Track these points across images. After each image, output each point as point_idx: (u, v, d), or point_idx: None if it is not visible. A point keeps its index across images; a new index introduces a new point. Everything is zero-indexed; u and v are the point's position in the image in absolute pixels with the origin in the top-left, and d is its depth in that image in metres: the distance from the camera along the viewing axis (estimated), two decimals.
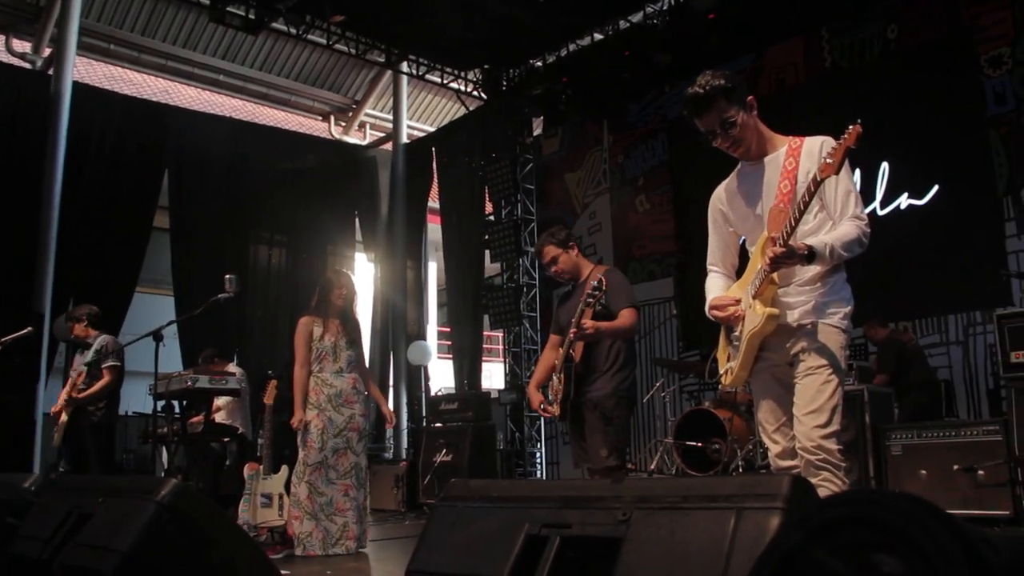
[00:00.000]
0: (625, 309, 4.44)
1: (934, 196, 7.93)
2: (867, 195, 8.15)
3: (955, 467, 5.63)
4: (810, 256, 2.78)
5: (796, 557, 1.09)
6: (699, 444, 7.35)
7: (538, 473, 11.01)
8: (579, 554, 1.86)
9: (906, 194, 8.08)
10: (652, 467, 8.07)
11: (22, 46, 11.85)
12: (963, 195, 7.73)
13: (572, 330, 4.26)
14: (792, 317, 2.93)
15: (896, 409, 6.74)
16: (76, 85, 10.21)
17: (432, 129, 14.70)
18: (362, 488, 5.36)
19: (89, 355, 6.33)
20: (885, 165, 8.18)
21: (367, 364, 5.82)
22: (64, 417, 6.19)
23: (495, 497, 2.12)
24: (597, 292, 4.15)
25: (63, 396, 6.27)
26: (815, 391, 2.82)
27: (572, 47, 10.63)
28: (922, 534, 0.88)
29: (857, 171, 8.22)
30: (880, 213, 8.12)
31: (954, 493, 5.63)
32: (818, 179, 2.71)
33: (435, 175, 13.13)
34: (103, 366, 6.27)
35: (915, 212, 8.02)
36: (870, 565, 0.99)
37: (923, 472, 5.79)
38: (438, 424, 9.43)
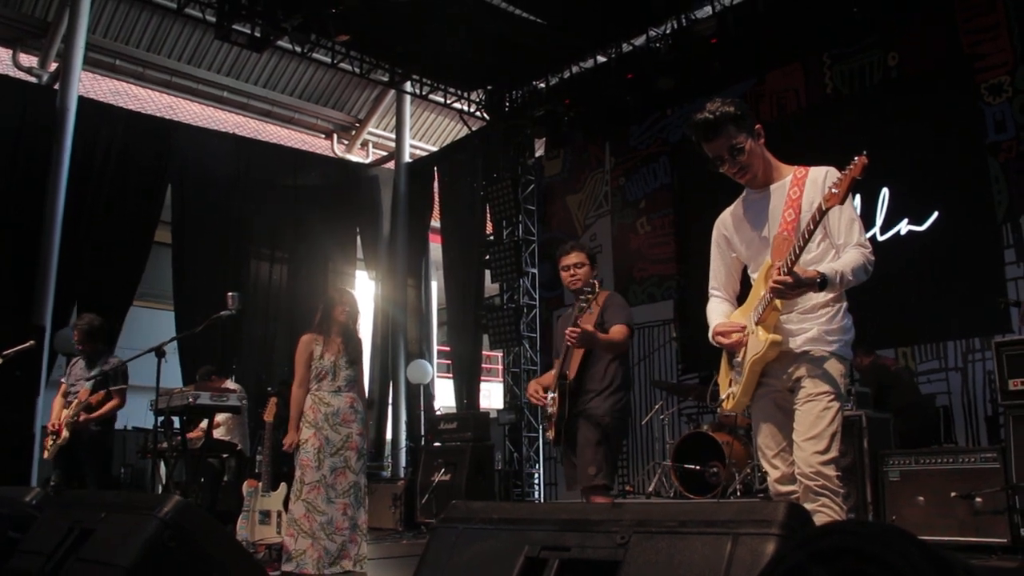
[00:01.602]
0: (618, 324, 4.49)
1: (934, 222, 7.97)
2: (867, 221, 8.19)
3: (953, 494, 5.62)
4: (822, 283, 2.81)
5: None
6: (697, 467, 7.35)
7: (536, 494, 11.00)
8: None
9: (906, 220, 8.12)
10: (650, 489, 8.07)
11: (29, 60, 11.94)
12: (962, 222, 7.77)
13: (569, 329, 4.28)
14: (794, 344, 2.96)
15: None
16: (82, 100, 10.29)
17: (434, 149, 14.79)
18: (361, 507, 5.36)
19: (95, 372, 6.30)
20: (885, 191, 8.23)
21: (366, 384, 5.82)
22: (66, 434, 6.17)
23: (495, 519, 2.14)
24: (591, 295, 4.22)
25: (67, 414, 6.23)
26: (815, 417, 2.85)
27: (575, 69, 10.73)
28: (904, 564, 0.90)
29: (857, 197, 8.27)
30: (880, 239, 8.15)
31: (951, 520, 5.63)
32: (823, 208, 2.75)
33: (437, 194, 13.19)
34: (112, 388, 6.27)
35: (915, 238, 8.06)
36: None
37: (921, 498, 5.79)
38: (437, 443, 9.44)
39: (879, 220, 8.22)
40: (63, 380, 6.57)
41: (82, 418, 6.15)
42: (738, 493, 7.02)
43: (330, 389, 5.37)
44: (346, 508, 5.24)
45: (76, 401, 6.19)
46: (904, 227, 8.14)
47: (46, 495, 4.03)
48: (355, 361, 5.54)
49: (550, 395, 4.58)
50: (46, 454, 6.41)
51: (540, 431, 10.76)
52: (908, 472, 5.92)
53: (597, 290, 4.30)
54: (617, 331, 4.47)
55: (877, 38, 8.55)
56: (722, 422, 7.64)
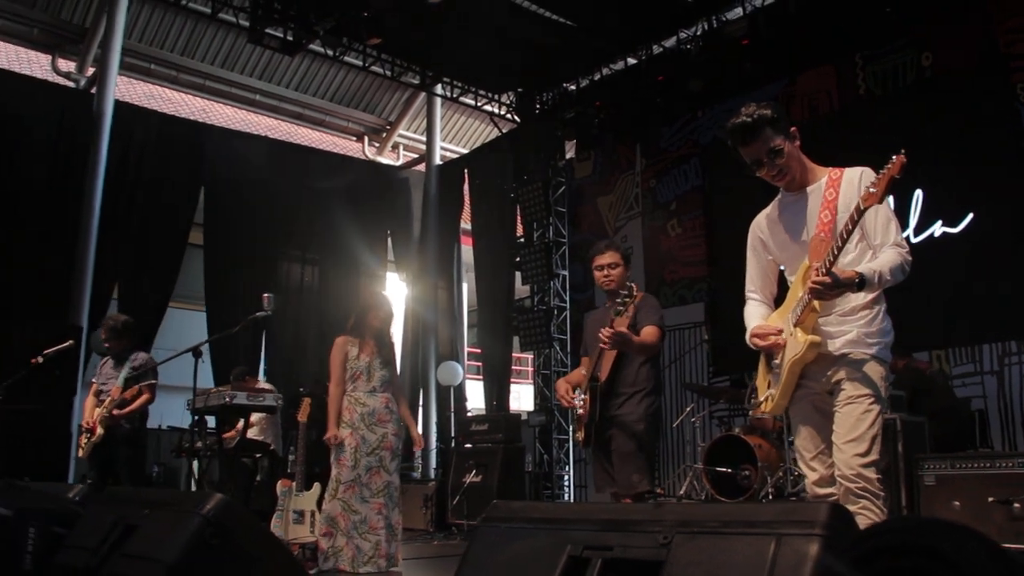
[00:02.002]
0: (649, 326, 4.45)
1: (968, 224, 7.88)
2: (900, 222, 8.07)
3: (990, 499, 5.56)
4: (860, 283, 2.81)
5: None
6: (729, 470, 7.33)
7: (566, 496, 11.00)
8: None
9: (940, 222, 8.04)
10: (681, 492, 8.06)
11: (67, 66, 12.14)
12: (998, 223, 7.67)
13: (605, 331, 4.21)
14: (834, 346, 2.95)
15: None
16: (117, 104, 10.45)
17: (465, 151, 14.83)
18: (395, 507, 5.41)
19: (126, 370, 6.39)
20: (919, 192, 8.15)
21: (400, 385, 5.87)
22: (100, 431, 6.26)
23: (537, 519, 2.15)
24: (628, 299, 4.16)
25: (101, 411, 6.32)
26: (856, 420, 2.85)
27: (605, 71, 10.73)
28: (968, 563, 0.91)
29: (890, 198, 8.18)
30: (913, 240, 8.08)
31: (989, 526, 5.56)
32: (861, 208, 2.75)
33: (467, 197, 13.24)
34: (142, 383, 6.35)
35: (949, 240, 7.97)
36: None
37: (956, 503, 5.73)
38: (468, 445, 9.48)
39: (913, 222, 8.15)
40: (94, 380, 6.66)
41: (115, 414, 6.24)
42: (770, 496, 6.99)
43: (365, 390, 5.43)
44: (381, 508, 5.29)
45: (109, 399, 6.28)
46: (938, 229, 8.06)
47: (89, 491, 4.11)
48: (389, 363, 5.60)
49: (579, 396, 4.55)
50: (81, 452, 6.50)
51: (570, 433, 10.76)
52: (944, 476, 5.86)
53: (635, 293, 4.23)
54: (649, 333, 4.44)
55: (910, 38, 8.47)
56: (753, 425, 7.60)
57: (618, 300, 4.21)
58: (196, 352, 5.57)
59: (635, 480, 4.23)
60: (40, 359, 6.37)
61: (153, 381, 6.38)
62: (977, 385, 7.68)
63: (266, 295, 5.64)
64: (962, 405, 7.44)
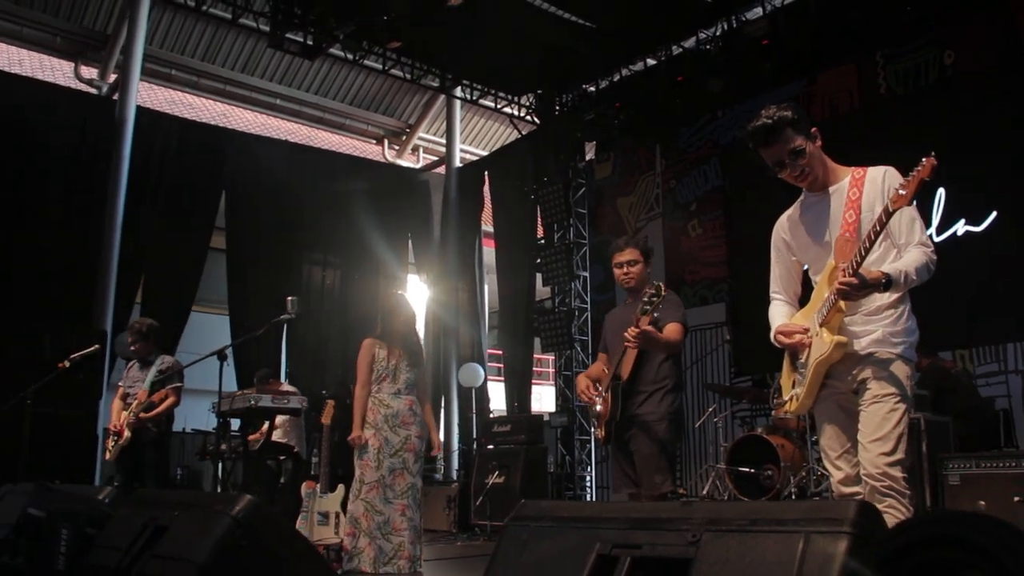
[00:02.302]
0: (672, 323, 4.39)
1: (992, 223, 7.84)
2: (923, 221, 8.07)
3: (1015, 498, 5.54)
4: (888, 284, 2.81)
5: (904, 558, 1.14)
6: (751, 470, 7.32)
7: (588, 496, 11.00)
8: (649, 574, 1.91)
9: (963, 220, 8.00)
10: (704, 492, 8.05)
11: (89, 72, 12.27)
12: (1022, 222, 7.62)
13: (632, 330, 4.15)
14: (859, 345, 2.95)
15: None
16: (139, 109, 10.54)
17: (485, 153, 14.87)
18: (418, 509, 5.43)
19: (152, 373, 6.45)
20: (941, 191, 8.11)
21: (427, 387, 5.87)
22: (127, 434, 6.32)
23: (565, 517, 2.18)
24: (655, 298, 4.10)
25: (128, 414, 6.38)
26: (881, 419, 2.85)
27: (625, 72, 10.73)
28: (1008, 555, 0.92)
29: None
30: (937, 239, 8.03)
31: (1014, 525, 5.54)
32: (890, 210, 2.75)
33: (487, 198, 13.26)
34: (169, 386, 6.41)
35: (972, 239, 7.92)
36: None
37: (981, 503, 5.70)
38: (491, 446, 9.50)
39: (935, 221, 8.10)
40: (120, 383, 6.72)
41: (142, 417, 6.29)
42: (792, 496, 6.97)
43: (390, 392, 5.45)
44: (404, 509, 5.31)
45: (136, 402, 6.34)
46: (961, 228, 8.01)
47: (118, 493, 4.16)
48: (416, 364, 5.61)
49: (601, 393, 4.49)
50: (108, 455, 6.56)
51: (592, 434, 10.76)
52: (968, 476, 5.83)
53: (663, 292, 4.15)
54: (672, 330, 4.38)
55: (932, 36, 8.43)
56: (776, 425, 7.59)
57: (645, 299, 4.15)
58: (221, 355, 5.61)
59: (657, 481, 4.19)
60: (67, 363, 6.44)
61: (179, 384, 6.44)
62: (1001, 384, 7.64)
63: (290, 298, 5.67)
64: (986, 405, 7.39)
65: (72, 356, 6.49)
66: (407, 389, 5.49)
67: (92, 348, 6.64)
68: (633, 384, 4.39)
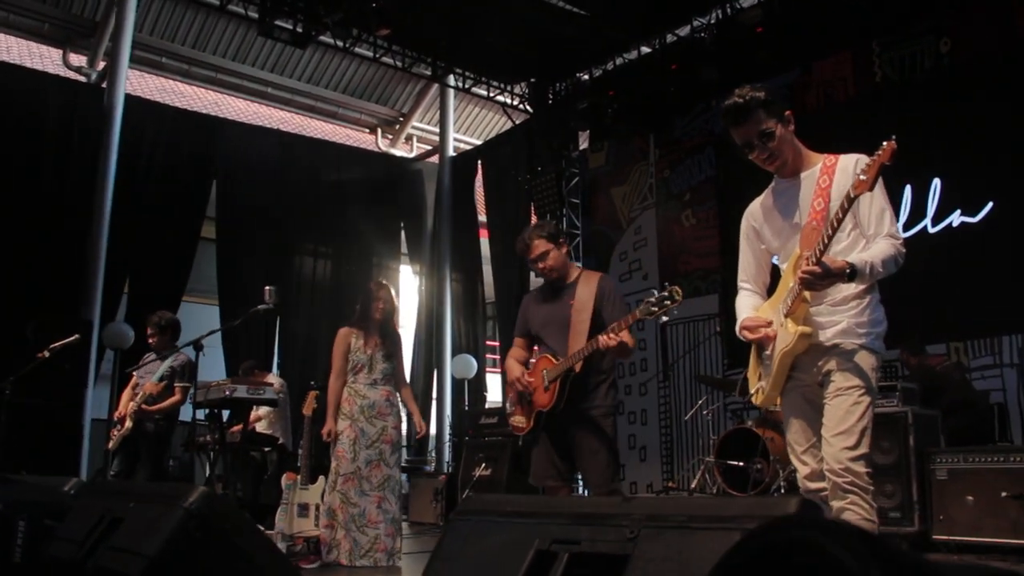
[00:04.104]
0: (625, 325, 4.06)
1: (988, 213, 7.73)
2: (918, 212, 8.00)
3: (1004, 494, 5.45)
4: (851, 274, 2.73)
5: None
6: (741, 463, 7.24)
7: (579, 490, 10.92)
8: (587, 570, 1.85)
9: (959, 211, 7.89)
10: (693, 486, 7.98)
11: (78, 60, 12.19)
12: (1018, 212, 7.52)
13: (609, 335, 3.84)
14: (824, 336, 2.88)
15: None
16: (128, 98, 10.47)
17: (478, 142, 14.78)
18: (397, 501, 5.36)
19: (164, 367, 6.38)
20: (937, 181, 8.00)
21: (407, 376, 5.80)
22: (129, 423, 6.28)
23: (508, 512, 2.11)
24: (668, 301, 3.73)
25: (132, 405, 6.33)
26: (844, 412, 2.77)
27: (619, 61, 10.63)
28: (851, 559, 0.85)
29: (908, 187, 8.08)
30: (931, 230, 7.95)
31: (1003, 520, 5.45)
32: (851, 196, 2.67)
33: (481, 188, 13.18)
34: (176, 384, 6.36)
35: (968, 229, 7.82)
36: None
37: (970, 498, 5.62)
38: (480, 438, 9.43)
39: (931, 211, 8.00)
40: (135, 373, 6.66)
41: (144, 408, 6.25)
42: (782, 490, 6.89)
43: (366, 382, 5.39)
44: (381, 501, 5.25)
45: (142, 393, 6.31)
46: (957, 218, 7.91)
47: (84, 485, 4.10)
48: (392, 355, 5.54)
49: (545, 380, 4.18)
50: (110, 444, 6.53)
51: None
52: (956, 471, 5.74)
53: (677, 296, 3.75)
54: (627, 336, 4.03)
55: (928, 24, 8.33)
56: (766, 417, 7.50)
57: (652, 300, 3.78)
58: (197, 345, 5.55)
59: (608, 477, 4.04)
60: (46, 353, 6.40)
61: (187, 384, 6.35)
62: (996, 378, 7.55)
63: (267, 288, 5.60)
64: (980, 398, 7.30)
65: (52, 346, 6.44)
66: (384, 379, 5.42)
67: (72, 338, 6.58)
68: (584, 377, 4.12)
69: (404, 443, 5.47)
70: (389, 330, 5.60)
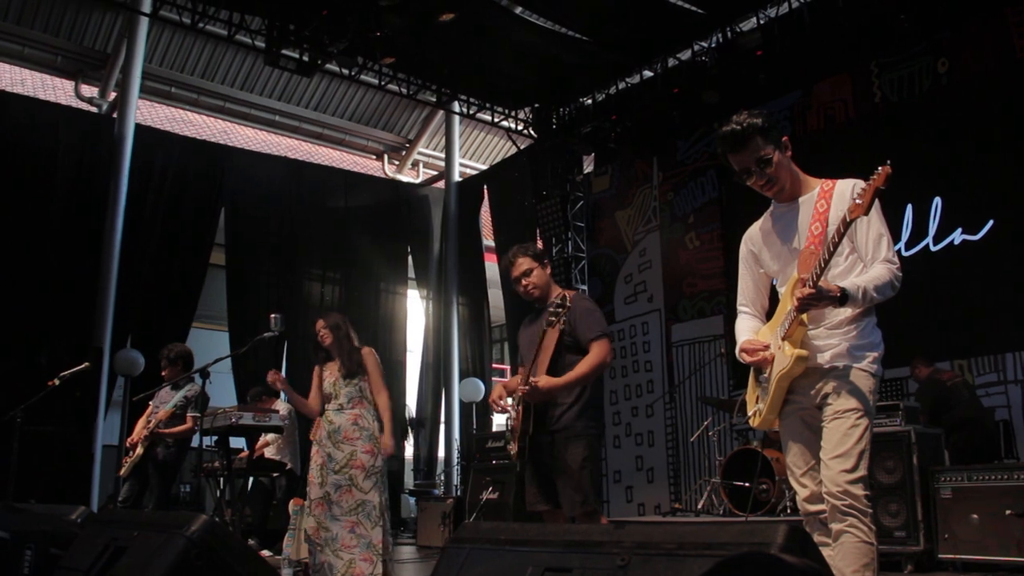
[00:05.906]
0: (595, 341, 4.00)
1: (989, 231, 7.76)
2: (920, 231, 8.03)
3: (1008, 512, 5.45)
4: (842, 298, 2.75)
5: None
6: (747, 484, 7.24)
7: None
8: None
9: (960, 229, 7.93)
10: (700, 507, 7.97)
11: (89, 91, 12.35)
12: (1019, 230, 7.55)
13: (521, 388, 3.83)
14: (822, 359, 2.90)
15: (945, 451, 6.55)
16: (139, 127, 10.59)
17: (484, 167, 14.87)
18: (376, 526, 5.20)
19: (178, 397, 6.42)
20: (938, 200, 8.04)
21: (385, 396, 5.47)
22: (140, 450, 6.32)
23: (502, 540, 2.14)
24: (560, 309, 3.79)
25: (146, 430, 6.38)
26: (842, 435, 2.78)
27: (621, 85, 10.70)
28: None
29: (909, 206, 8.12)
30: (933, 249, 7.98)
31: (1007, 538, 5.44)
32: (847, 220, 2.70)
33: (487, 212, 13.24)
34: (189, 414, 6.42)
35: (969, 247, 7.86)
36: None
37: (974, 516, 5.61)
38: (487, 462, 9.43)
39: (932, 230, 8.03)
40: (151, 402, 6.70)
41: (157, 431, 6.32)
42: (788, 510, 6.90)
43: (333, 408, 5.35)
44: (354, 526, 5.15)
45: (155, 420, 6.36)
46: (958, 236, 7.94)
47: (90, 513, 4.13)
48: (352, 374, 5.40)
49: (513, 405, 4.12)
50: (122, 471, 6.57)
51: None
52: (960, 489, 5.74)
53: (568, 303, 3.84)
54: (595, 351, 3.97)
55: (926, 45, 8.40)
56: (772, 438, 7.50)
57: (550, 311, 3.85)
58: (204, 373, 5.59)
59: (579, 500, 3.91)
60: (56, 381, 6.45)
61: (197, 414, 6.35)
62: (1001, 395, 7.55)
63: (273, 315, 5.62)
64: (987, 416, 7.29)
65: (62, 374, 6.50)
66: (349, 403, 5.34)
67: (82, 366, 6.64)
68: (549, 401, 4.02)
69: (378, 467, 5.33)
70: (343, 352, 5.45)
